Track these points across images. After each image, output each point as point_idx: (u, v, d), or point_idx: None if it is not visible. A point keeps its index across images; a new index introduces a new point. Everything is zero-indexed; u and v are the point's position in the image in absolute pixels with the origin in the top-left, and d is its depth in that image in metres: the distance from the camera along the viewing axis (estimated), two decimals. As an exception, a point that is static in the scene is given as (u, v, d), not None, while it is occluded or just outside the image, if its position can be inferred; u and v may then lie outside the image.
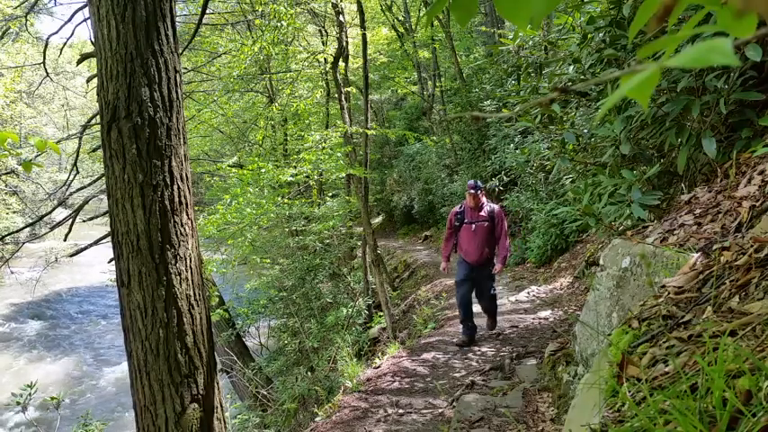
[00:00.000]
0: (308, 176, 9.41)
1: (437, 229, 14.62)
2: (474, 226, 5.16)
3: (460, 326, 5.54)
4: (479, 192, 5.18)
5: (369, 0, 14.56)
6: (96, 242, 8.39)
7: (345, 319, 8.85)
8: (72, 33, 7.46)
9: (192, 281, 2.47)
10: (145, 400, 2.39)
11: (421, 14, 16.36)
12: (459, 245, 5.36)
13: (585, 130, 4.06)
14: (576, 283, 6.93)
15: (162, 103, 2.33)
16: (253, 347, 11.32)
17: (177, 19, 3.60)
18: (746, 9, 0.40)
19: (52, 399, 4.41)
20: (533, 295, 7.24)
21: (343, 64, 8.99)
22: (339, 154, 8.75)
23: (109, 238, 2.61)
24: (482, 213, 5.19)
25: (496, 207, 5.24)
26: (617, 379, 1.34)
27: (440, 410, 3.82)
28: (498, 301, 7.32)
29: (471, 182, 5.26)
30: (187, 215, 2.46)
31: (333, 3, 8.28)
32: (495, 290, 5.52)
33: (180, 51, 2.53)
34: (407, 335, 7.55)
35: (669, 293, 1.63)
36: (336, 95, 8.87)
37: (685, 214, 2.47)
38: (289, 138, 13.17)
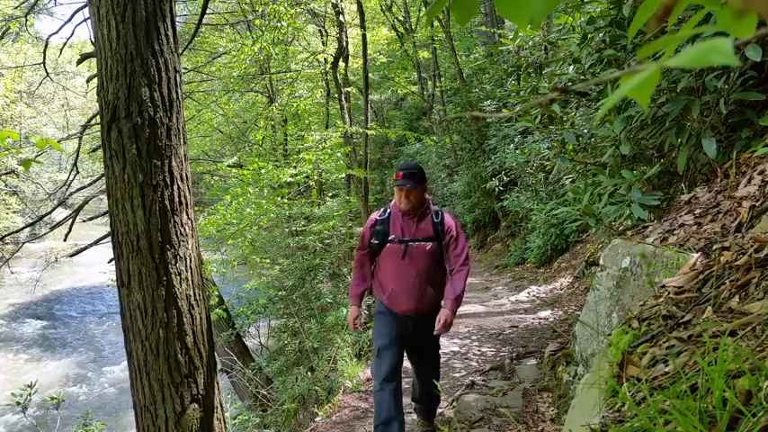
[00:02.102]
0: (307, 176, 9.42)
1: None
2: (406, 247, 2.89)
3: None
4: (418, 185, 2.84)
5: (369, 0, 14.56)
6: (96, 242, 8.38)
7: (345, 319, 8.84)
8: (72, 33, 7.45)
9: (192, 281, 2.47)
10: (145, 400, 2.39)
11: (421, 14, 16.36)
12: (378, 281, 3.06)
13: (585, 130, 4.06)
14: (576, 283, 6.93)
15: (162, 103, 2.33)
16: (253, 347, 11.31)
17: (177, 19, 3.60)
18: (746, 9, 0.40)
19: (52, 399, 4.40)
20: (533, 295, 7.25)
21: (343, 64, 9.00)
22: (339, 154, 8.76)
23: (109, 238, 2.61)
24: (423, 225, 2.91)
25: (449, 216, 2.98)
26: (617, 379, 1.34)
27: (440, 410, 3.82)
28: (498, 301, 7.35)
29: (407, 164, 2.94)
30: (187, 215, 2.46)
31: (333, 3, 8.29)
32: (438, 363, 3.29)
33: (180, 51, 2.53)
34: (407, 335, 7.53)
35: (669, 293, 1.63)
36: (336, 95, 8.87)
37: (685, 214, 2.47)
38: (289, 138, 13.17)
